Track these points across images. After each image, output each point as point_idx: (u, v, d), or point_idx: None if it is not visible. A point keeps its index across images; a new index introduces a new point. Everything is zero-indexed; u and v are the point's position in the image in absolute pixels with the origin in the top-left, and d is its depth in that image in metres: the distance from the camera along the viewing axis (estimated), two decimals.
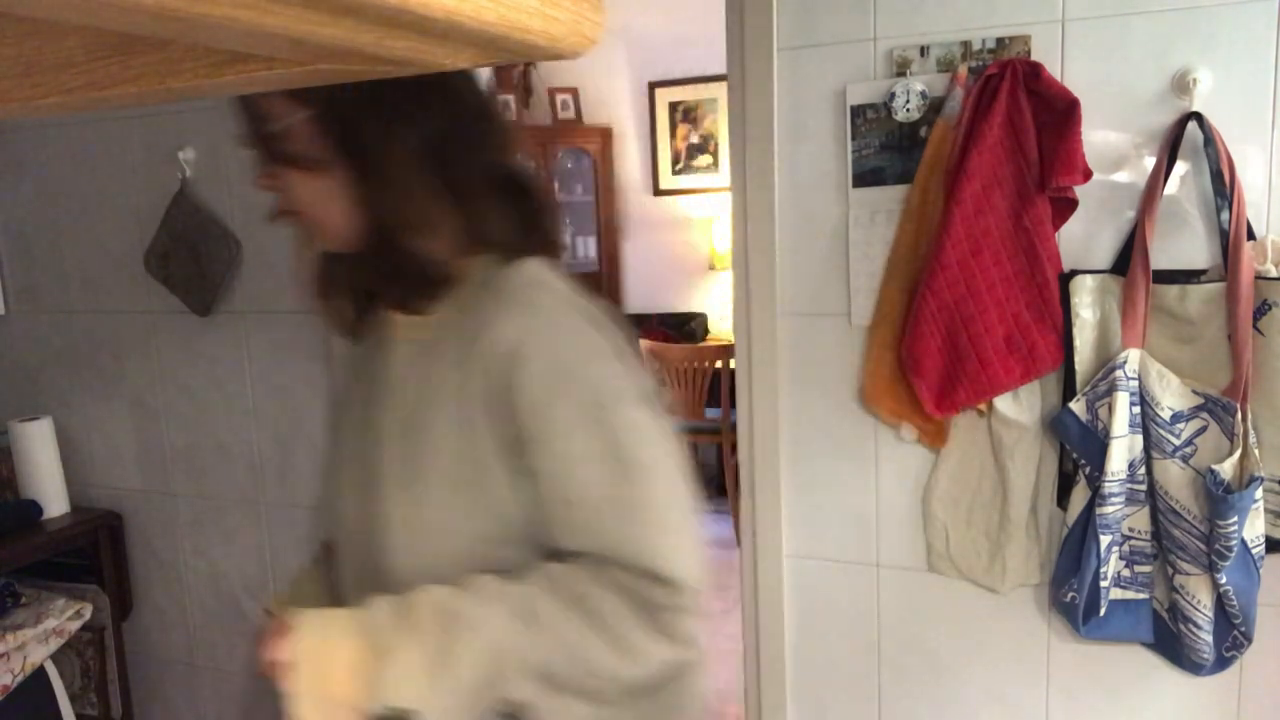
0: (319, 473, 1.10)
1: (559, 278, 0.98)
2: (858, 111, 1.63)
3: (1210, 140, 1.40)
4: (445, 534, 0.91)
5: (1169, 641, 1.53)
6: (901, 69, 1.60)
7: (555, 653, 0.85)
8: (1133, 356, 1.45)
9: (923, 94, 1.58)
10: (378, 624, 0.85)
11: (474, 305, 0.94)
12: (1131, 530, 1.51)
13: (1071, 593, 1.52)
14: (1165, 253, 1.48)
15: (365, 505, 0.96)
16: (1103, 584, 1.50)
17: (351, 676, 0.82)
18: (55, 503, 2.33)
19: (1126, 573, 1.53)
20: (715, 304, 5.53)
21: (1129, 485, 1.47)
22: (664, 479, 0.90)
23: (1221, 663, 1.48)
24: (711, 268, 5.49)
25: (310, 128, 0.90)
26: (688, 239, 5.55)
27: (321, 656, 0.83)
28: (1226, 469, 1.37)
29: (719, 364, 4.36)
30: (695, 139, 5.47)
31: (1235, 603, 1.41)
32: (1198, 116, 1.41)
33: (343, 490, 1.01)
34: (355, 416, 1.03)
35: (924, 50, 1.58)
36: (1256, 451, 1.39)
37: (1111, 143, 1.50)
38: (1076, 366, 1.52)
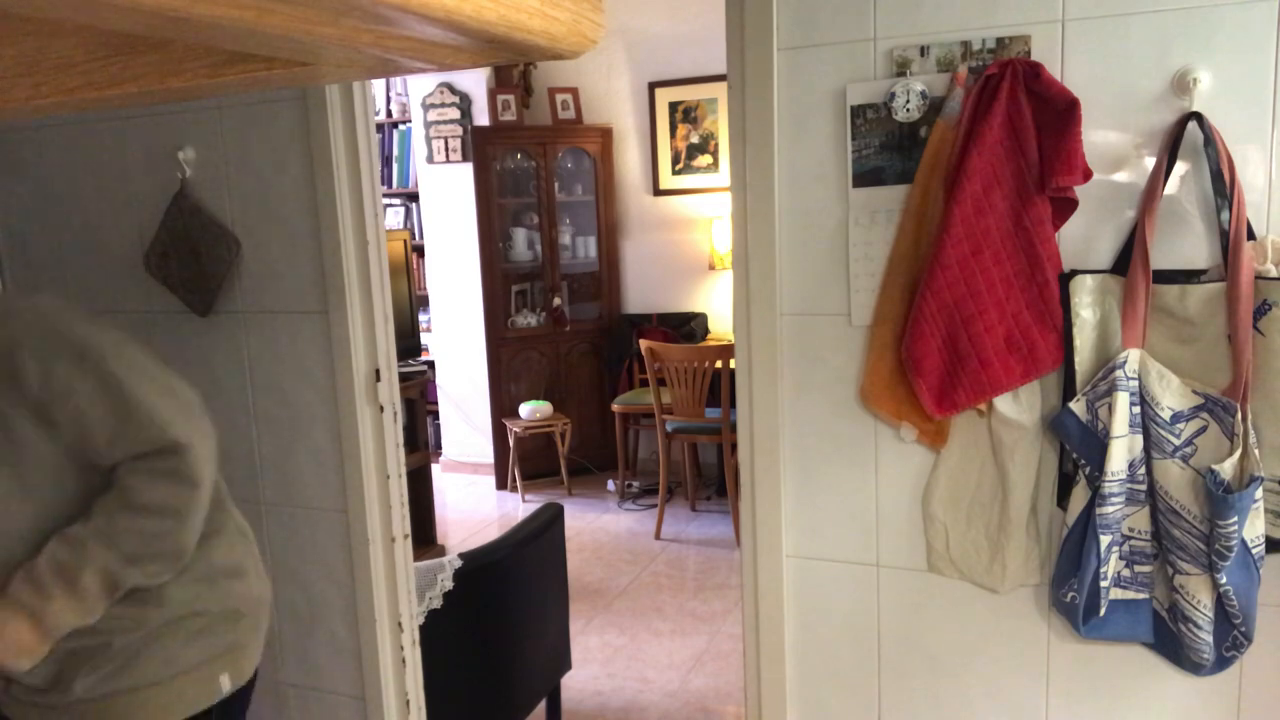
0: None
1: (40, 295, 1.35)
2: (858, 111, 1.64)
3: (1210, 140, 1.40)
4: (24, 506, 1.26)
5: (1169, 641, 1.53)
6: (901, 69, 1.60)
7: (131, 547, 1.28)
8: (1133, 356, 1.45)
9: (923, 94, 1.58)
10: (23, 598, 1.24)
11: None
12: (1131, 530, 1.51)
13: (1071, 593, 1.52)
14: (1165, 253, 1.48)
15: None
16: (1103, 584, 1.50)
17: (32, 632, 1.24)
18: None
19: (1126, 573, 1.53)
20: (715, 304, 5.53)
21: (1129, 485, 1.47)
22: (142, 381, 1.29)
23: (1221, 663, 1.48)
24: (711, 268, 5.49)
25: None
26: (688, 239, 5.56)
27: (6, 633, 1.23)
28: (1226, 469, 1.38)
29: (719, 364, 4.36)
30: (695, 139, 5.47)
31: (1235, 603, 1.41)
32: (1198, 116, 1.41)
33: None
34: None
35: (924, 50, 1.58)
36: (1256, 451, 1.39)
37: (1111, 143, 1.50)
38: (1076, 366, 1.52)
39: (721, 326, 5.49)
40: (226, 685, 1.46)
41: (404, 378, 3.54)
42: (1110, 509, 1.46)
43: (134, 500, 1.27)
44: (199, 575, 1.42)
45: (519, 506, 5.21)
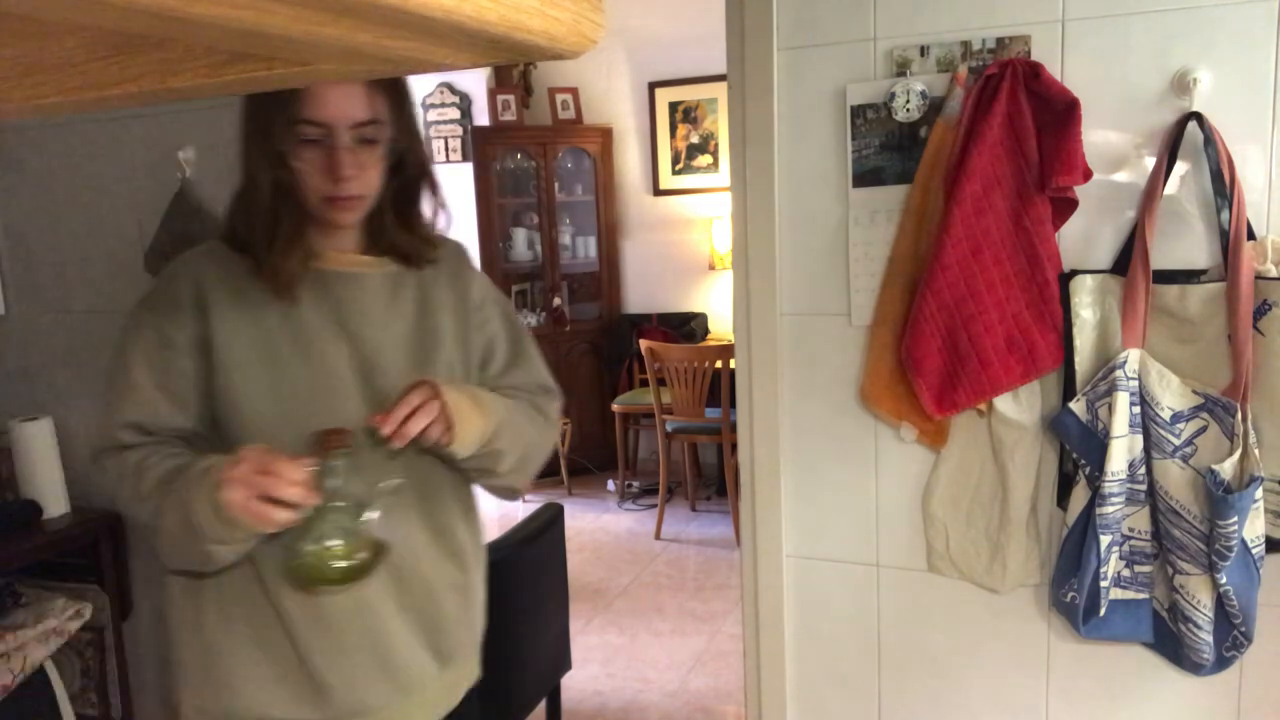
0: (271, 397, 1.20)
1: None
2: (858, 111, 1.63)
3: (1210, 140, 1.40)
4: None
5: (1169, 641, 1.53)
6: (901, 69, 1.60)
7: (531, 432, 1.37)
8: (1133, 356, 1.45)
9: (923, 94, 1.58)
10: (467, 394, 1.25)
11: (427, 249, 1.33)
12: (1131, 530, 1.51)
13: (1071, 593, 1.52)
14: (1165, 253, 1.48)
15: (378, 393, 1.24)
16: (1103, 584, 1.50)
17: (472, 409, 1.23)
18: (55, 503, 2.33)
19: (1126, 573, 1.53)
20: (715, 304, 5.53)
21: (1129, 485, 1.47)
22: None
23: (1221, 663, 1.48)
24: (711, 268, 5.49)
25: (396, 113, 1.22)
26: (688, 239, 5.55)
27: (460, 400, 1.22)
28: (1226, 469, 1.37)
29: (719, 364, 4.36)
30: (695, 139, 5.47)
31: (1235, 603, 1.41)
32: (1198, 116, 1.41)
33: (340, 390, 1.23)
34: (320, 338, 1.23)
35: (924, 50, 1.58)
36: (1256, 451, 1.39)
37: (1111, 143, 1.50)
38: (1076, 366, 1.52)
39: (721, 326, 5.48)
40: None
41: None
42: (1110, 509, 1.46)
43: (537, 413, 1.38)
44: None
45: (519, 506, 5.21)
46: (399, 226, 1.29)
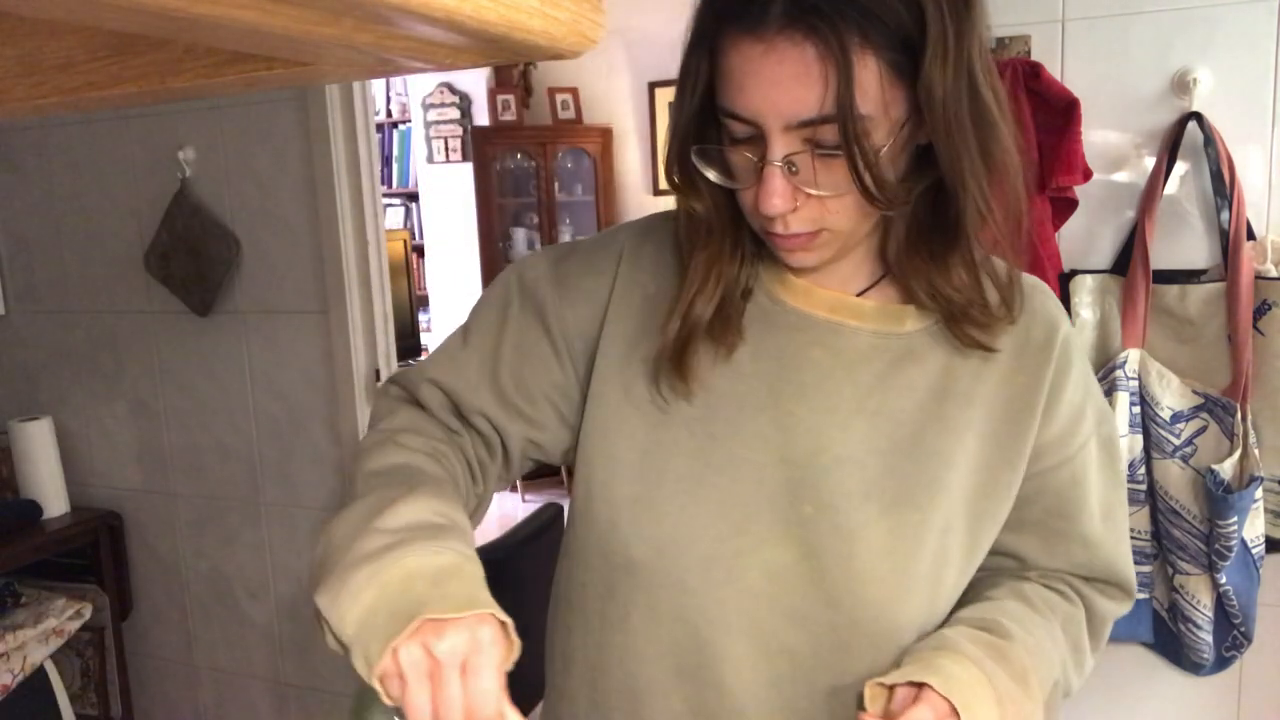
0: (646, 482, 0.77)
1: None
2: None
3: (1210, 140, 1.40)
4: (943, 562, 0.75)
5: (1169, 641, 1.53)
6: None
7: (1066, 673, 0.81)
8: (1133, 356, 1.45)
9: None
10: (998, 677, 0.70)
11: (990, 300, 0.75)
12: (1131, 530, 1.51)
13: None
14: (1165, 253, 1.48)
15: (800, 528, 0.74)
16: None
17: None
18: (55, 503, 2.33)
19: None
20: None
21: (1129, 485, 1.47)
22: (1124, 487, 0.86)
23: (1221, 663, 1.48)
24: None
25: (892, 92, 0.68)
26: None
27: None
28: (1226, 469, 1.38)
29: None
30: None
31: (1235, 603, 1.41)
32: (1198, 116, 1.41)
33: (733, 502, 0.75)
34: (728, 410, 0.76)
35: None
36: (1256, 451, 1.39)
37: (1111, 143, 1.50)
38: None
39: None
40: None
41: None
42: None
43: (1072, 631, 0.83)
44: None
45: (519, 506, 5.21)
46: (911, 265, 0.75)
